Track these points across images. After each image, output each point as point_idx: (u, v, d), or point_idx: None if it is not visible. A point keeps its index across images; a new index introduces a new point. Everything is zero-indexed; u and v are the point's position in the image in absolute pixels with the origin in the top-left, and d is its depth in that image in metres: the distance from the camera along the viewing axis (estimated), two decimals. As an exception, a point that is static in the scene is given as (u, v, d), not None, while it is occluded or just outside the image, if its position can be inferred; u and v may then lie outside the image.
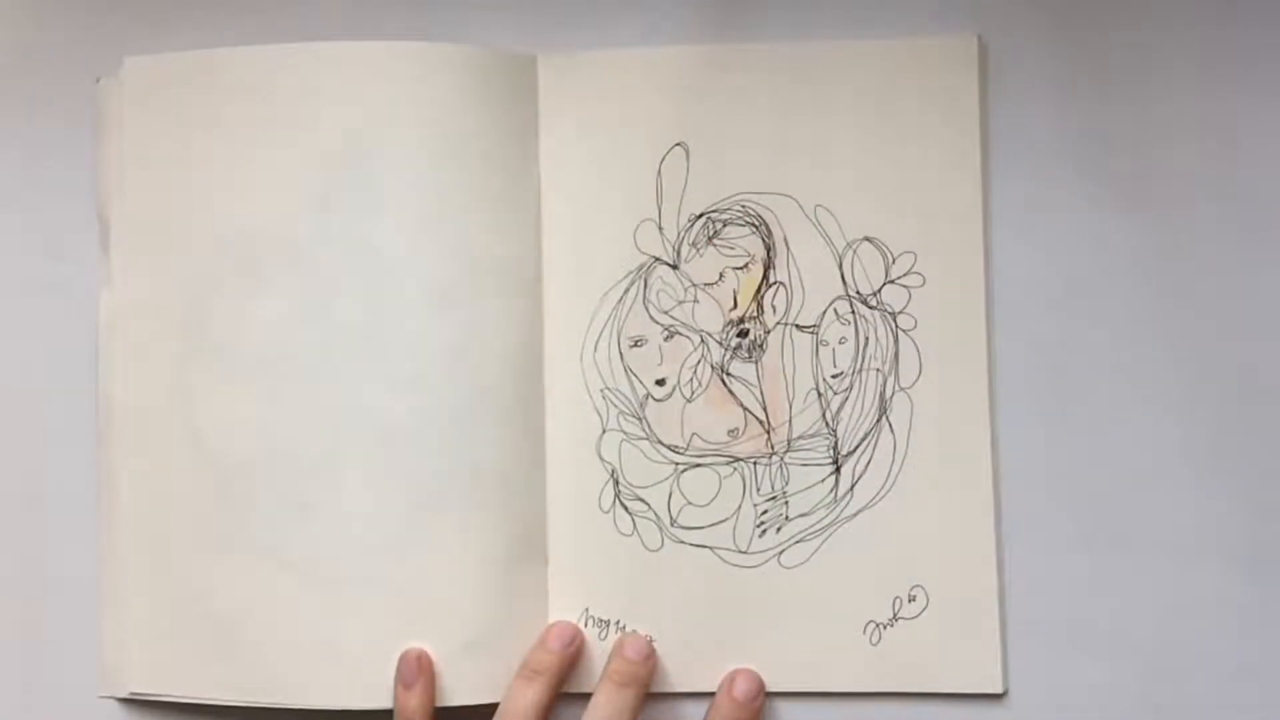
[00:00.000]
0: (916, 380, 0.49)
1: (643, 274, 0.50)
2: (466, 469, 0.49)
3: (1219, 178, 0.50)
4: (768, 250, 0.50)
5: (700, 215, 0.50)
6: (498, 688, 0.48)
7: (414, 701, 0.47)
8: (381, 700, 0.48)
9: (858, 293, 0.50)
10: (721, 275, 0.50)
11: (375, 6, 0.52)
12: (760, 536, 0.50)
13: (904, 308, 0.50)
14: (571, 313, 0.50)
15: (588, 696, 0.48)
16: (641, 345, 0.50)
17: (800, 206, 0.50)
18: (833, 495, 0.50)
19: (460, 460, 0.49)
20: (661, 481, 0.50)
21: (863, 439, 0.50)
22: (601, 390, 0.50)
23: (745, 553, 0.50)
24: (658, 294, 0.50)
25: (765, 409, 0.50)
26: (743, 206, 0.50)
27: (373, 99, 0.49)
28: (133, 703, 0.51)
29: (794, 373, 0.50)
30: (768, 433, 0.50)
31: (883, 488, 0.49)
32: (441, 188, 0.49)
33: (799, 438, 0.50)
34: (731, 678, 0.49)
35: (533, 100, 0.50)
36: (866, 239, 0.50)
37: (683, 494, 0.50)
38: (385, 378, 0.49)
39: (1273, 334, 0.49)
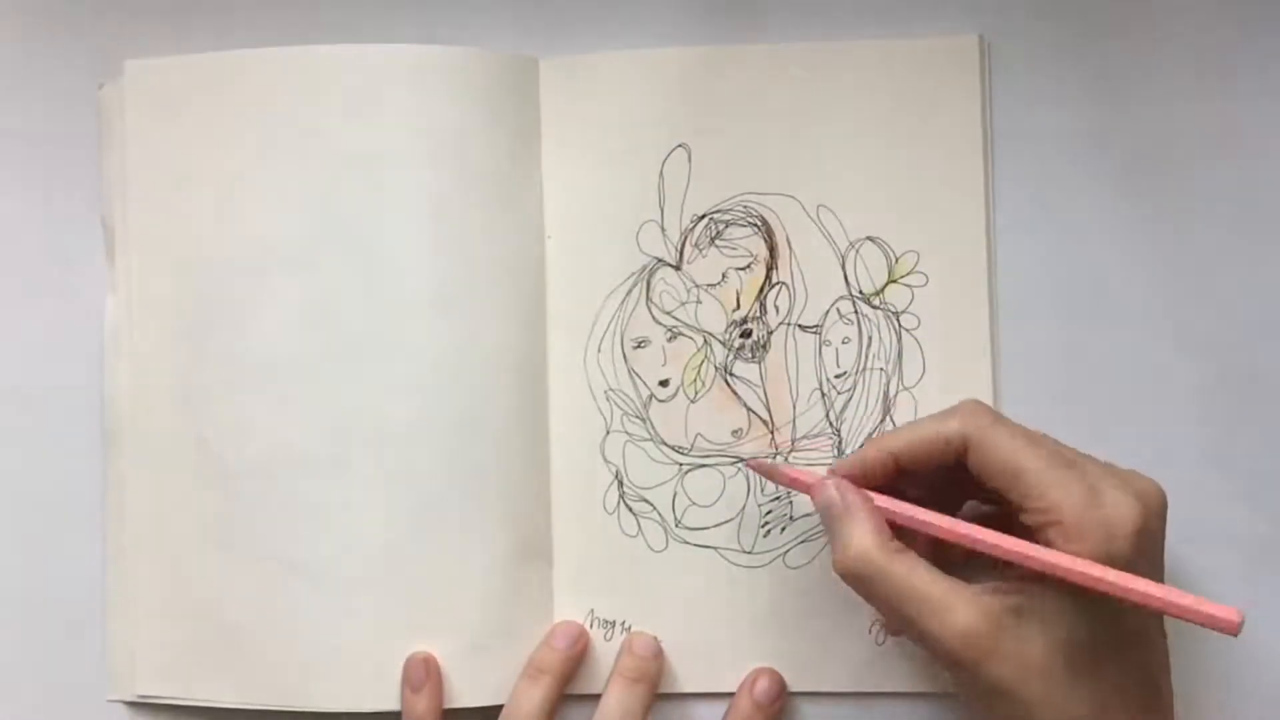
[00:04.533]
0: (920, 379, 0.49)
1: (645, 275, 0.50)
2: (471, 471, 0.49)
3: (1222, 176, 0.50)
4: (770, 250, 0.50)
5: (702, 216, 0.50)
6: (504, 689, 0.48)
7: (422, 705, 0.47)
8: (389, 702, 0.48)
9: (860, 292, 0.50)
10: (724, 276, 0.50)
11: (376, 9, 0.52)
12: (765, 537, 0.50)
13: (907, 307, 0.50)
14: (574, 314, 0.50)
15: (593, 698, 0.48)
16: (645, 346, 0.50)
17: (802, 206, 0.50)
18: (837, 495, 0.50)
19: (465, 463, 0.49)
20: (666, 482, 0.50)
21: (867, 438, 0.50)
22: (605, 391, 0.50)
23: (750, 553, 0.50)
24: (660, 295, 0.50)
25: (769, 409, 0.50)
26: (745, 207, 0.50)
27: (375, 102, 0.49)
28: (141, 705, 0.51)
29: (797, 373, 0.50)
30: (771, 433, 0.50)
31: (887, 487, 0.49)
32: (444, 190, 0.49)
33: (803, 437, 0.50)
34: (753, 678, 0.49)
35: (534, 102, 0.51)
36: (869, 239, 0.50)
37: (687, 495, 0.50)
38: (389, 381, 0.49)
39: (1278, 334, 0.49)
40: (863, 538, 0.41)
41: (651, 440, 0.50)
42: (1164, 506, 0.41)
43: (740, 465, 0.49)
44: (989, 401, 0.49)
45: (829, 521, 0.43)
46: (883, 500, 0.43)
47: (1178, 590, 0.38)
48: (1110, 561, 0.39)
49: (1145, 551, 0.40)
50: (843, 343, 0.50)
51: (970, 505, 0.46)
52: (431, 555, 0.49)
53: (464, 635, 0.49)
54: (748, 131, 0.50)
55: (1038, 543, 0.40)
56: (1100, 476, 0.40)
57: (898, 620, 0.41)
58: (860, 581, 0.41)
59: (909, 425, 0.44)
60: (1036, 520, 0.40)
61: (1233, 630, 0.38)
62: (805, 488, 0.45)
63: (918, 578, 0.40)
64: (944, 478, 0.44)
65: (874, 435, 0.45)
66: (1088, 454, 0.42)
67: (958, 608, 0.40)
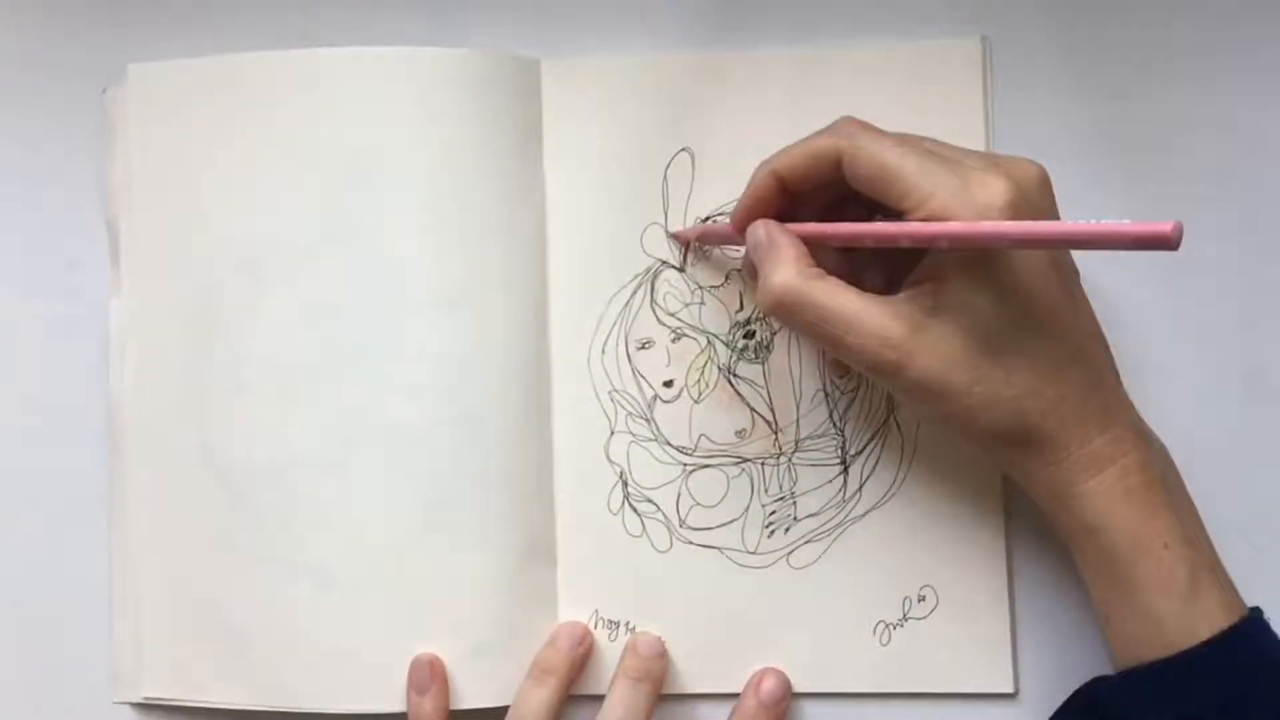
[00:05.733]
0: (923, 380, 0.50)
1: (649, 277, 0.51)
2: (475, 472, 0.49)
3: (1224, 177, 0.50)
4: (773, 252, 0.50)
5: (706, 218, 0.50)
6: (509, 690, 0.48)
7: (428, 707, 0.47)
8: (394, 704, 0.48)
9: (864, 293, 0.50)
10: (727, 277, 0.50)
11: (379, 12, 0.52)
12: (769, 537, 0.50)
13: (910, 307, 0.50)
14: (579, 315, 0.50)
15: (598, 699, 0.48)
16: (649, 347, 0.51)
17: (805, 208, 0.50)
18: (841, 495, 0.50)
19: (469, 464, 0.49)
20: (670, 483, 0.50)
21: (871, 439, 0.50)
22: (609, 392, 0.50)
23: (754, 553, 0.50)
24: (664, 296, 0.50)
25: (772, 410, 0.50)
26: (748, 208, 0.50)
27: (378, 104, 0.49)
28: (147, 708, 0.51)
29: (801, 373, 0.50)
30: (775, 433, 0.50)
31: (891, 487, 0.49)
32: (447, 192, 0.49)
33: (807, 438, 0.50)
34: (758, 678, 0.49)
35: (537, 104, 0.51)
36: (872, 239, 0.50)
37: (691, 495, 0.50)
38: (393, 382, 0.49)
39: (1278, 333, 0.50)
40: (786, 268, 0.43)
41: (656, 441, 0.50)
42: (1042, 180, 0.42)
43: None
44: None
45: (758, 261, 0.44)
46: (800, 227, 0.44)
47: (1095, 222, 0.36)
48: None
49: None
50: (846, 343, 0.50)
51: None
52: (436, 557, 0.49)
53: (468, 636, 0.49)
54: (751, 135, 0.50)
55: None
56: (971, 164, 0.41)
57: (823, 342, 0.43)
58: (784, 308, 0.42)
59: (787, 146, 0.45)
60: (914, 217, 0.41)
61: (1170, 243, 0.34)
62: (733, 238, 0.46)
63: (836, 297, 0.42)
64: (841, 205, 0.45)
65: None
66: (964, 149, 0.43)
67: (873, 318, 0.41)
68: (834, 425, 0.50)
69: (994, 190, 0.40)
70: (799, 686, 0.49)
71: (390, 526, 0.49)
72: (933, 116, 0.50)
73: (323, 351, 0.49)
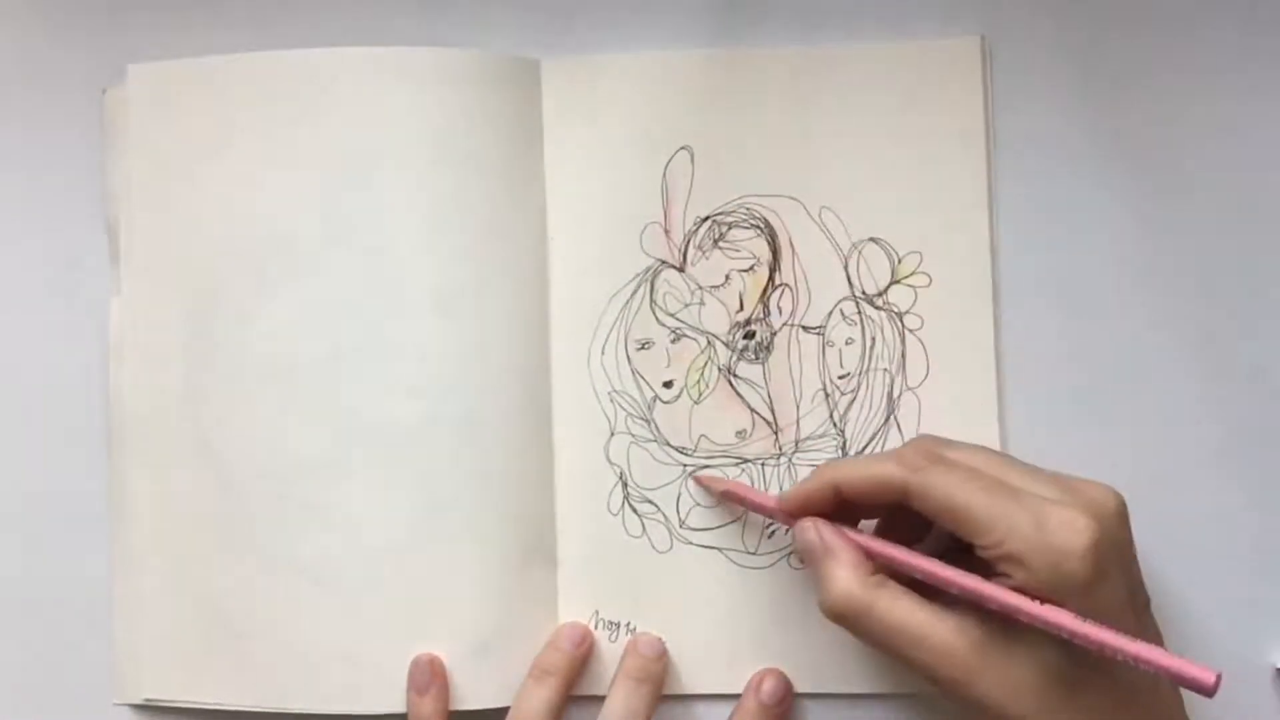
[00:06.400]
0: (924, 380, 0.50)
1: (649, 277, 0.50)
2: (475, 473, 0.49)
3: (1224, 176, 0.50)
4: (773, 252, 0.50)
5: (706, 218, 0.50)
6: (509, 691, 0.48)
7: (428, 708, 0.47)
8: (395, 704, 0.48)
9: (864, 293, 0.50)
10: (727, 277, 0.50)
11: (379, 12, 0.52)
12: (769, 538, 0.50)
13: (910, 308, 0.50)
14: (578, 316, 0.50)
15: (599, 700, 0.48)
16: (648, 348, 0.50)
17: (805, 208, 0.50)
18: (841, 496, 0.50)
19: (469, 464, 0.49)
20: (670, 483, 0.50)
21: (871, 439, 0.50)
22: (609, 393, 0.50)
23: (754, 554, 0.50)
24: (664, 296, 0.50)
25: (773, 410, 0.50)
26: (748, 209, 0.50)
27: (377, 104, 0.49)
28: (147, 708, 0.51)
29: (801, 374, 0.50)
30: (776, 434, 0.50)
31: (891, 488, 0.49)
32: (446, 192, 0.49)
33: (807, 438, 0.50)
34: (759, 679, 0.49)
35: (537, 104, 0.51)
36: (872, 239, 0.50)
37: (691, 495, 0.50)
38: (393, 382, 0.49)
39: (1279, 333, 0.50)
40: (844, 577, 0.42)
41: (656, 441, 0.50)
42: (1120, 513, 0.41)
43: (691, 476, 0.50)
44: (992, 401, 0.49)
45: (811, 563, 0.44)
46: (859, 537, 0.43)
47: (1147, 645, 0.37)
48: (1067, 584, 0.38)
49: (1107, 564, 0.39)
50: (846, 343, 0.50)
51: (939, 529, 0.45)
52: (436, 557, 0.49)
53: (469, 637, 0.49)
54: (750, 134, 0.50)
55: (996, 574, 0.40)
56: (1046, 499, 0.40)
57: (885, 651, 0.42)
58: (845, 621, 0.42)
59: (853, 461, 0.44)
60: (988, 555, 0.40)
61: (1208, 691, 0.36)
62: (770, 510, 0.46)
63: (900, 611, 0.41)
64: (904, 507, 0.43)
65: (824, 463, 0.45)
66: (1035, 469, 0.42)
67: (938, 633, 0.40)
68: (834, 425, 0.50)
69: (1073, 533, 0.38)
70: (800, 687, 0.49)
71: (390, 526, 0.49)
72: (933, 116, 0.50)
73: (322, 352, 0.49)
